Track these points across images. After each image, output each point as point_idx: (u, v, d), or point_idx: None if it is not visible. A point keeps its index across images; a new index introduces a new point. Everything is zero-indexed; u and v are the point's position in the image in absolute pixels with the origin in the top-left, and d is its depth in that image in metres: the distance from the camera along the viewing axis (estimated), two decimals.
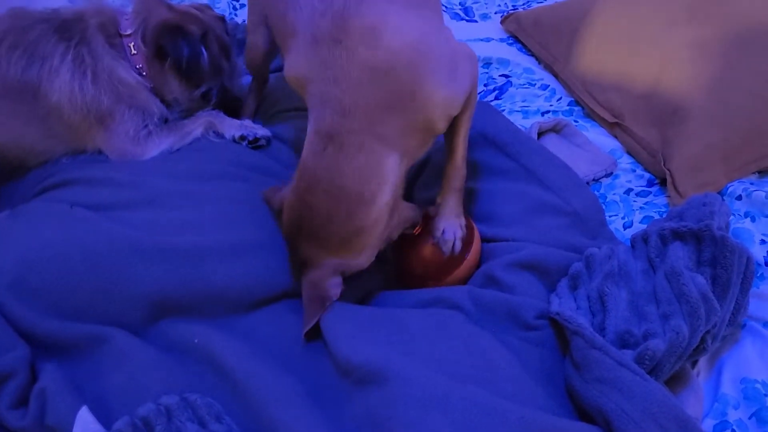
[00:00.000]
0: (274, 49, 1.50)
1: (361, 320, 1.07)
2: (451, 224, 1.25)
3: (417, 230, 1.26)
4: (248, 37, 1.53)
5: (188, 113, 1.55)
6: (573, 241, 1.28)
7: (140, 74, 1.46)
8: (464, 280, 1.27)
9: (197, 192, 1.34)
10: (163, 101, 1.52)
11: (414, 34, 1.05)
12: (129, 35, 1.44)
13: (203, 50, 1.45)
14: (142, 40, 1.44)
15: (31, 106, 1.42)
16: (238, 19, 2.10)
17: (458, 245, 1.24)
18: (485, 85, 1.81)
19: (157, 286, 1.17)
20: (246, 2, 2.14)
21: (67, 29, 1.42)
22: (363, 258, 1.13)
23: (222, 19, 1.60)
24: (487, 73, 1.84)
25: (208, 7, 1.62)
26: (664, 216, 1.30)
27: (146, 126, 1.50)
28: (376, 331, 1.05)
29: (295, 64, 1.09)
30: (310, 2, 1.05)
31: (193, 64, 1.44)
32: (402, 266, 1.31)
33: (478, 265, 1.28)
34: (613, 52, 1.67)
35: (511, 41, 1.96)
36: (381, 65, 1.02)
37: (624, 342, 1.01)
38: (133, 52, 1.45)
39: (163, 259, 1.19)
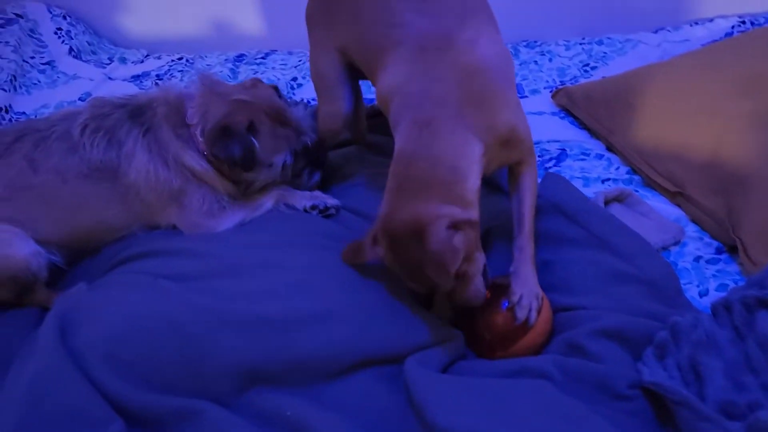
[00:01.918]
0: (352, 113, 1.58)
1: (457, 390, 1.08)
2: (528, 292, 1.26)
3: (487, 295, 1.27)
4: (324, 108, 1.56)
5: (270, 186, 1.60)
6: (652, 310, 1.28)
7: (210, 159, 1.51)
8: (534, 350, 1.27)
9: (276, 260, 1.36)
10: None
11: (499, 47, 1.31)
12: (195, 124, 1.51)
13: (253, 141, 1.47)
14: (204, 139, 1.50)
15: (112, 186, 1.49)
16: (297, 98, 2.18)
17: (533, 316, 1.24)
18: (540, 156, 1.85)
19: (244, 357, 1.18)
20: (303, 82, 2.27)
21: (139, 115, 1.51)
22: (472, 210, 1.17)
23: (274, 87, 1.63)
24: (539, 145, 1.89)
25: (258, 81, 1.63)
26: (742, 284, 1.30)
27: (218, 201, 1.56)
28: (473, 401, 1.05)
29: (396, 73, 1.27)
30: (415, 22, 1.26)
31: (248, 158, 1.48)
32: (470, 335, 1.31)
33: (549, 334, 1.28)
34: (669, 124, 1.71)
35: (562, 115, 2.02)
36: (475, 68, 1.22)
37: (728, 413, 1.00)
38: (200, 140, 1.50)
39: (249, 329, 1.20)
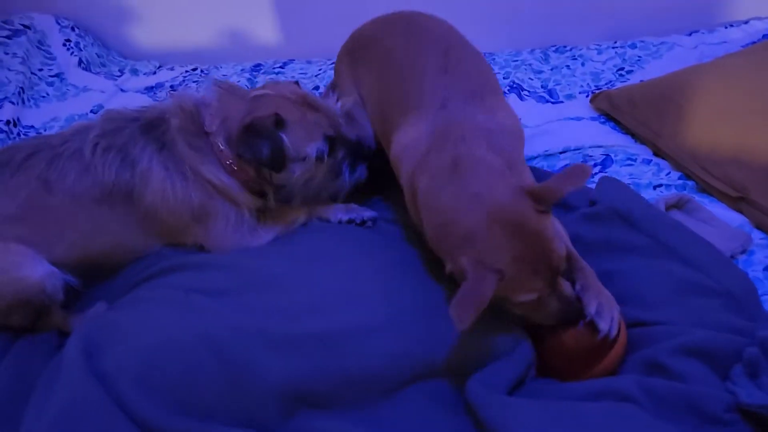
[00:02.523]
0: None
1: (538, 417, 0.96)
2: (605, 301, 1.15)
3: None
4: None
5: (300, 197, 1.46)
6: (733, 324, 1.17)
7: (233, 168, 1.39)
8: (613, 370, 1.16)
9: (315, 272, 1.26)
10: (261, 191, 1.44)
11: (516, 121, 1.31)
12: (215, 132, 1.38)
13: (282, 137, 1.33)
14: (227, 144, 1.37)
15: (128, 209, 1.37)
16: None
17: (615, 327, 1.13)
18: (583, 162, 1.75)
19: (289, 378, 1.09)
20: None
21: (152, 129, 1.38)
22: None
23: (295, 83, 1.50)
24: (581, 151, 1.80)
25: (276, 81, 1.52)
26: None
27: (246, 219, 1.43)
28: (558, 429, 0.94)
29: (417, 129, 1.23)
30: (435, 87, 1.26)
31: (278, 156, 1.33)
32: (543, 361, 1.20)
33: (624, 356, 1.17)
34: (724, 126, 1.62)
35: (602, 120, 1.92)
36: (500, 131, 1.22)
37: None
38: (221, 148, 1.37)
39: (293, 347, 1.11)
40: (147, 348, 1.11)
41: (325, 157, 1.39)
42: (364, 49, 1.51)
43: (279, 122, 1.33)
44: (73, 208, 1.34)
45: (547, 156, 1.79)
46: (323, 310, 1.16)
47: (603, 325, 1.11)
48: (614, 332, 1.11)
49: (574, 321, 1.13)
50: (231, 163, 1.38)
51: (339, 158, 1.43)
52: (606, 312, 1.12)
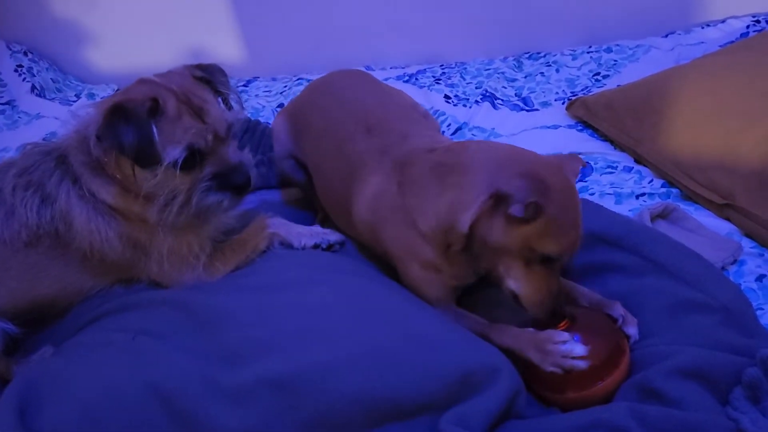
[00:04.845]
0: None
1: None
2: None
3: (563, 326, 1.07)
4: None
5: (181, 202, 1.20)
6: (732, 341, 1.08)
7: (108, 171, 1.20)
8: (610, 395, 1.06)
9: (273, 306, 1.15)
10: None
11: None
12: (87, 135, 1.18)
13: (153, 127, 1.11)
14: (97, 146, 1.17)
15: (63, 250, 1.23)
16: None
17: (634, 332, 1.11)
18: None
19: (246, 428, 0.98)
20: None
21: (64, 162, 1.22)
22: None
23: (198, 77, 1.23)
24: None
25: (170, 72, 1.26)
26: None
27: (198, 247, 1.27)
28: None
29: (376, 179, 1.24)
30: (368, 147, 1.28)
31: (146, 147, 1.11)
32: (533, 375, 1.10)
33: (628, 376, 1.08)
34: (707, 130, 1.54)
35: (580, 127, 1.84)
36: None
37: None
38: (106, 160, 1.18)
39: (246, 395, 1.00)
40: (89, 402, 1.01)
41: (177, 168, 1.16)
42: (303, 121, 1.49)
43: (153, 110, 1.12)
44: (6, 255, 1.22)
45: None
46: (279, 349, 1.05)
47: (632, 330, 1.12)
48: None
49: (557, 317, 1.09)
50: (118, 177, 1.20)
51: (203, 176, 1.19)
52: (630, 317, 1.13)
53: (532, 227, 1.03)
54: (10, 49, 2.36)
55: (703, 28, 2.19)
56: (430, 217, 1.12)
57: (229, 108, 1.26)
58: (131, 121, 1.10)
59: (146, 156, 1.12)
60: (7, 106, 2.23)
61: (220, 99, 1.25)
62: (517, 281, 1.08)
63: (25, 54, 2.38)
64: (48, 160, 1.23)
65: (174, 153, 1.14)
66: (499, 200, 1.03)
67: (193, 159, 1.17)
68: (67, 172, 1.22)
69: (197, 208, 1.21)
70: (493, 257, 1.09)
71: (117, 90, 2.36)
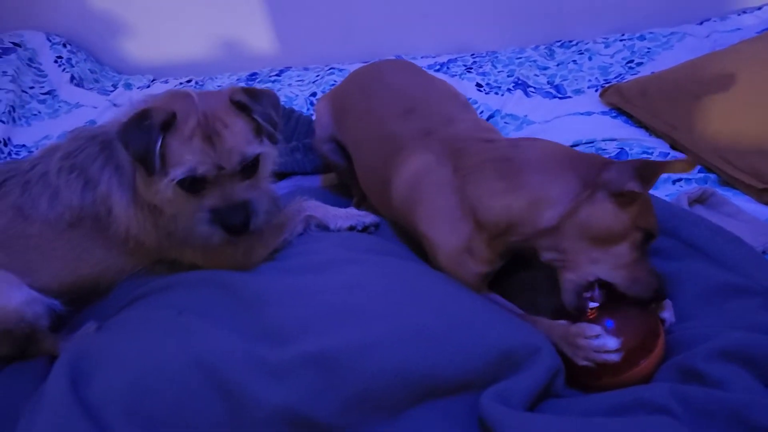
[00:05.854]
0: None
1: None
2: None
3: (591, 314, 1.06)
4: None
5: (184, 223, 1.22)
6: None
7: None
8: (647, 378, 1.06)
9: (312, 284, 1.17)
10: None
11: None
12: None
13: (158, 138, 1.12)
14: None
15: (104, 233, 1.27)
16: None
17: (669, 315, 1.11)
18: None
19: (290, 404, 0.99)
20: None
21: (108, 147, 1.26)
22: None
23: (269, 97, 1.24)
24: (594, 144, 1.71)
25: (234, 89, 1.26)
26: None
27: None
28: None
29: (418, 157, 1.25)
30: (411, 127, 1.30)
31: (144, 155, 1.13)
32: (567, 362, 1.09)
33: (663, 360, 1.08)
34: (746, 115, 1.52)
35: (614, 114, 1.83)
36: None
37: None
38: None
39: (293, 371, 1.01)
40: (137, 376, 1.03)
41: (169, 191, 1.15)
42: (346, 104, 1.51)
43: (167, 123, 1.13)
44: (52, 236, 1.26)
45: None
46: (319, 327, 1.07)
47: (668, 314, 1.11)
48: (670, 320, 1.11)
49: (659, 297, 1.09)
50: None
51: (200, 205, 1.17)
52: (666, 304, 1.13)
53: (637, 206, 1.05)
54: (50, 41, 2.41)
55: (739, 14, 2.16)
56: (498, 211, 1.11)
57: (261, 140, 1.21)
58: (142, 127, 1.12)
59: (144, 164, 1.14)
60: (48, 95, 2.29)
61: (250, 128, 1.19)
62: (617, 269, 1.06)
63: (64, 45, 2.43)
64: (93, 144, 1.27)
65: (175, 173, 1.13)
66: (595, 190, 1.04)
67: (196, 183, 1.16)
68: (110, 158, 1.25)
69: (183, 233, 1.22)
70: (576, 248, 1.06)
71: (153, 81, 2.41)
